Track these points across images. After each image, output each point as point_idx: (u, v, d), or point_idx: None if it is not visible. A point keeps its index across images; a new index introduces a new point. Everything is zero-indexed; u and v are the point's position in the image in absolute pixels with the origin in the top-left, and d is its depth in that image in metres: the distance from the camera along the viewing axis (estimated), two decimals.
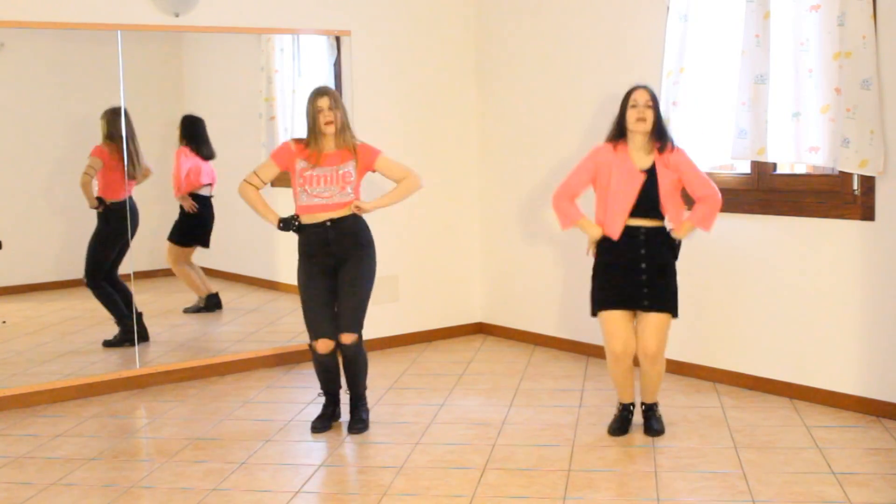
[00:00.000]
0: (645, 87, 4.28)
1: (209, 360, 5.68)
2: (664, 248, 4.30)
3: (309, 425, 4.66)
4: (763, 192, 4.96)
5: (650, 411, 4.46)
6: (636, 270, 4.27)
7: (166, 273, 6.10)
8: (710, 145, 4.98)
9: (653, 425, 4.41)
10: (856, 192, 4.57)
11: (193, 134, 5.90)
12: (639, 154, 4.28)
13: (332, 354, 4.57)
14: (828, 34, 4.48)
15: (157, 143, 5.82)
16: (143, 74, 5.68)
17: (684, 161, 4.28)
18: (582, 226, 4.38)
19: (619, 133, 4.31)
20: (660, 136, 4.27)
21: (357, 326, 4.53)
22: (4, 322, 5.56)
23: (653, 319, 4.26)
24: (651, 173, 4.25)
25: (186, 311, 6.15)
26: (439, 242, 6.42)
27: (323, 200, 4.48)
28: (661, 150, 4.27)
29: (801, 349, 4.84)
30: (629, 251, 4.28)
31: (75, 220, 5.77)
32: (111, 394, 5.32)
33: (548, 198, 6.03)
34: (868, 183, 4.51)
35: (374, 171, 4.63)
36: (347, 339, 4.50)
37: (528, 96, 6.12)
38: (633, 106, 4.24)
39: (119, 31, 5.25)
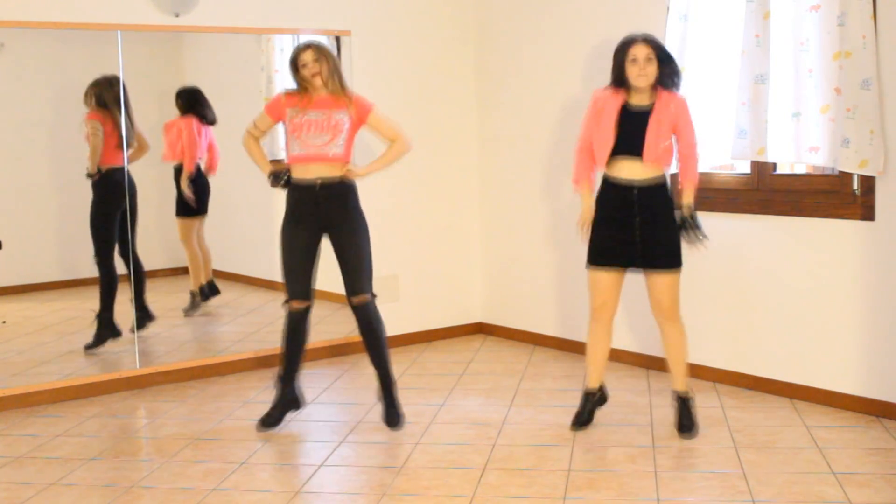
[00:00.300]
0: (644, 41, 4.22)
1: (209, 360, 5.68)
2: (659, 206, 4.27)
3: (308, 425, 4.67)
4: (763, 192, 4.96)
5: (683, 405, 4.40)
6: (629, 228, 4.27)
7: (166, 273, 6.10)
8: (710, 145, 4.98)
9: (684, 423, 4.36)
10: (856, 192, 4.57)
11: (196, 102, 5.91)
12: (639, 97, 4.28)
13: (305, 314, 4.56)
14: (828, 34, 4.48)
15: (158, 141, 5.82)
16: (143, 74, 5.68)
17: (684, 111, 4.27)
18: (582, 194, 4.42)
19: (617, 83, 4.29)
20: (663, 82, 4.24)
21: (369, 286, 4.55)
22: (4, 322, 5.56)
23: (657, 278, 4.30)
24: (645, 112, 4.24)
25: (186, 312, 6.15)
26: (439, 242, 6.42)
27: (314, 150, 4.44)
28: (665, 88, 4.24)
29: (801, 349, 4.84)
30: (622, 207, 4.28)
31: (75, 219, 5.77)
32: (111, 394, 5.32)
33: (548, 197, 6.06)
34: (868, 183, 4.51)
35: (365, 125, 4.59)
36: (362, 300, 4.52)
37: (527, 96, 6.12)
38: (633, 61, 4.21)
39: (119, 31, 5.25)
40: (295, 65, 4.46)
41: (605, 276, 4.37)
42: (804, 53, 4.56)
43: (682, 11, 5.01)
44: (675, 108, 4.25)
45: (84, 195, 5.57)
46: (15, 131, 5.54)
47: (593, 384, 4.53)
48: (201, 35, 5.62)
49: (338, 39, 5.98)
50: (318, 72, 4.43)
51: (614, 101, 4.29)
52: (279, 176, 4.50)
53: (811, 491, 3.72)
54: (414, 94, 6.23)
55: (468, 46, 6.43)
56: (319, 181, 4.45)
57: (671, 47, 5.03)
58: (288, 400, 4.65)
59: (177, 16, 5.37)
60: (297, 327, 4.59)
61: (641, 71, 4.19)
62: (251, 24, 5.64)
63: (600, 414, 4.67)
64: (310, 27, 5.84)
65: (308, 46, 4.47)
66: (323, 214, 4.48)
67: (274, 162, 4.70)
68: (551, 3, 5.91)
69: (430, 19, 6.27)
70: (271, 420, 4.59)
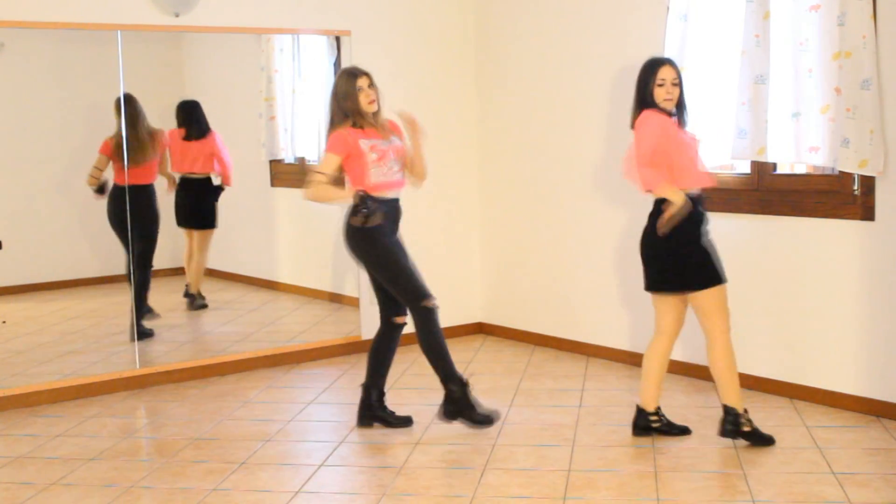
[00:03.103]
0: (670, 63, 4.22)
1: (209, 360, 5.68)
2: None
3: (308, 425, 4.68)
4: (763, 192, 4.96)
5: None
6: (643, 246, 4.29)
7: (166, 273, 6.10)
8: (710, 145, 4.98)
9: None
10: (856, 192, 4.57)
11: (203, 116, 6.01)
12: None
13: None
14: (828, 34, 4.48)
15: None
16: (143, 74, 5.68)
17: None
18: (674, 191, 4.17)
19: (644, 104, 4.22)
20: (680, 110, 4.24)
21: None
22: (4, 322, 5.56)
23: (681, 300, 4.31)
24: None
25: (189, 307, 6.18)
26: (439, 242, 6.41)
27: (393, 177, 4.45)
28: (679, 124, 4.23)
29: (801, 349, 4.84)
30: (647, 226, 4.28)
31: (75, 219, 5.77)
32: (111, 394, 5.32)
33: (548, 197, 6.06)
34: (868, 183, 4.51)
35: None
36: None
37: (527, 96, 6.12)
38: (661, 84, 4.18)
39: (119, 31, 5.25)
40: (347, 90, 4.36)
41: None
42: (804, 53, 4.56)
43: (682, 11, 5.01)
44: None
45: (83, 195, 5.57)
46: (15, 131, 5.54)
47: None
48: (201, 35, 5.62)
49: (338, 39, 5.99)
50: (374, 99, 4.41)
51: (674, 126, 4.22)
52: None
53: (811, 491, 3.72)
54: (414, 95, 6.22)
55: (468, 46, 6.42)
56: (397, 199, 4.51)
57: (671, 47, 5.04)
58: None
59: (177, 16, 5.37)
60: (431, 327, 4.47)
61: (669, 94, 4.19)
62: (251, 24, 5.64)
63: (600, 414, 4.67)
64: (310, 27, 5.84)
65: (363, 73, 4.40)
66: (398, 228, 4.52)
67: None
68: (551, 4, 5.90)
69: (430, 19, 6.27)
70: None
